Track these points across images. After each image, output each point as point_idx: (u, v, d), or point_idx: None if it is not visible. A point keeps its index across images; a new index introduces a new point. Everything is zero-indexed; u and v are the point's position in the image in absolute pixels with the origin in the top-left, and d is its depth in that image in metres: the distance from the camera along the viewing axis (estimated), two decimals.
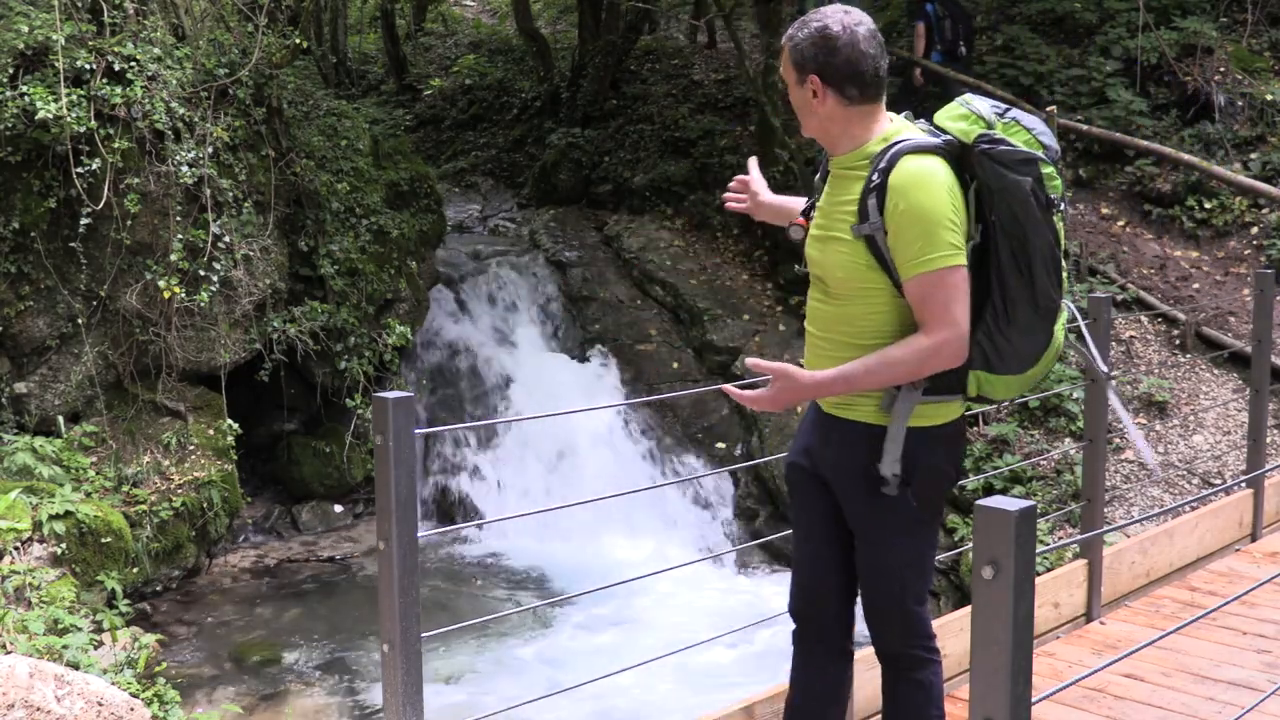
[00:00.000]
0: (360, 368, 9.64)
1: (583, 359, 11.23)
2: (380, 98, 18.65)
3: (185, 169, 8.21)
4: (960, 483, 3.25)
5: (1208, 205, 10.37)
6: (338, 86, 17.69)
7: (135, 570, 7.65)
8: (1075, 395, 8.32)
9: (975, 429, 8.67)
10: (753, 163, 3.49)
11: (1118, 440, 8.33)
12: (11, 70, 7.79)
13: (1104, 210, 10.82)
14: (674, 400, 10.46)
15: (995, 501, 1.94)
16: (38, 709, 3.41)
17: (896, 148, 2.77)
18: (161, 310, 8.38)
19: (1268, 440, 7.09)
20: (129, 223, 8.14)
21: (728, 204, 3.45)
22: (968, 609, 3.25)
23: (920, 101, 10.87)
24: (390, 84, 19.37)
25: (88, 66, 7.91)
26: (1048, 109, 9.08)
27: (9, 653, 5.38)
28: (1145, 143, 10.73)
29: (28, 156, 7.90)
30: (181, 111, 8.33)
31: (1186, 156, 10.49)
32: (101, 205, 7.87)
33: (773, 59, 10.63)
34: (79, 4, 8.20)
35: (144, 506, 7.92)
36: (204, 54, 9.01)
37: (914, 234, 2.71)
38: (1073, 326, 3.04)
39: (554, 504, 8.62)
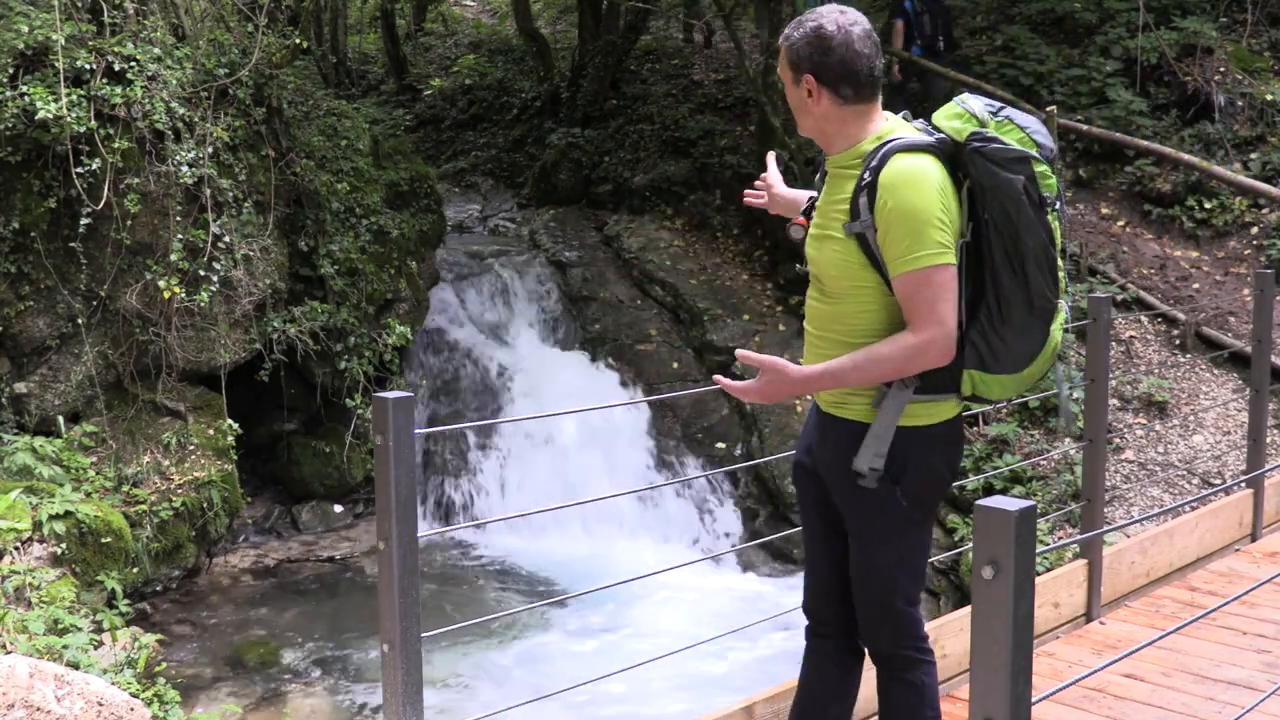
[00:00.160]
0: (360, 368, 9.64)
1: (582, 359, 11.23)
2: (380, 98, 18.65)
3: (185, 169, 8.21)
4: (960, 483, 3.25)
5: (1208, 205, 10.37)
6: (338, 86, 17.69)
7: (135, 570, 7.65)
8: (1075, 395, 8.32)
9: (975, 429, 8.67)
10: (770, 158, 3.50)
11: (1118, 440, 8.33)
12: (11, 70, 7.79)
13: (1104, 210, 10.82)
14: (674, 400, 10.45)
15: (995, 501, 1.95)
16: (38, 709, 3.41)
17: (888, 146, 2.78)
18: (161, 310, 8.38)
19: (1268, 440, 7.09)
20: (129, 223, 8.14)
21: (746, 199, 3.46)
22: (968, 609, 3.25)
23: (902, 97, 10.89)
24: (390, 84, 19.37)
25: (88, 66, 7.91)
26: (1048, 109, 9.08)
27: (9, 653, 5.38)
28: (1145, 143, 10.73)
29: (28, 156, 7.90)
30: (181, 111, 8.33)
31: (1186, 156, 10.49)
32: (101, 205, 7.87)
33: (772, 59, 10.63)
34: (79, 4, 8.20)
35: (144, 506, 7.92)
36: (204, 54, 9.01)
37: (902, 232, 2.72)
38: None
39: (554, 504, 8.61)
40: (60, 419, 8.19)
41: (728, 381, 2.90)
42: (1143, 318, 9.62)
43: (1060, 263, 2.84)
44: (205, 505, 8.28)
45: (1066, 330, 2.97)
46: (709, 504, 9.94)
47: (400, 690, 2.86)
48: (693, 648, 3.86)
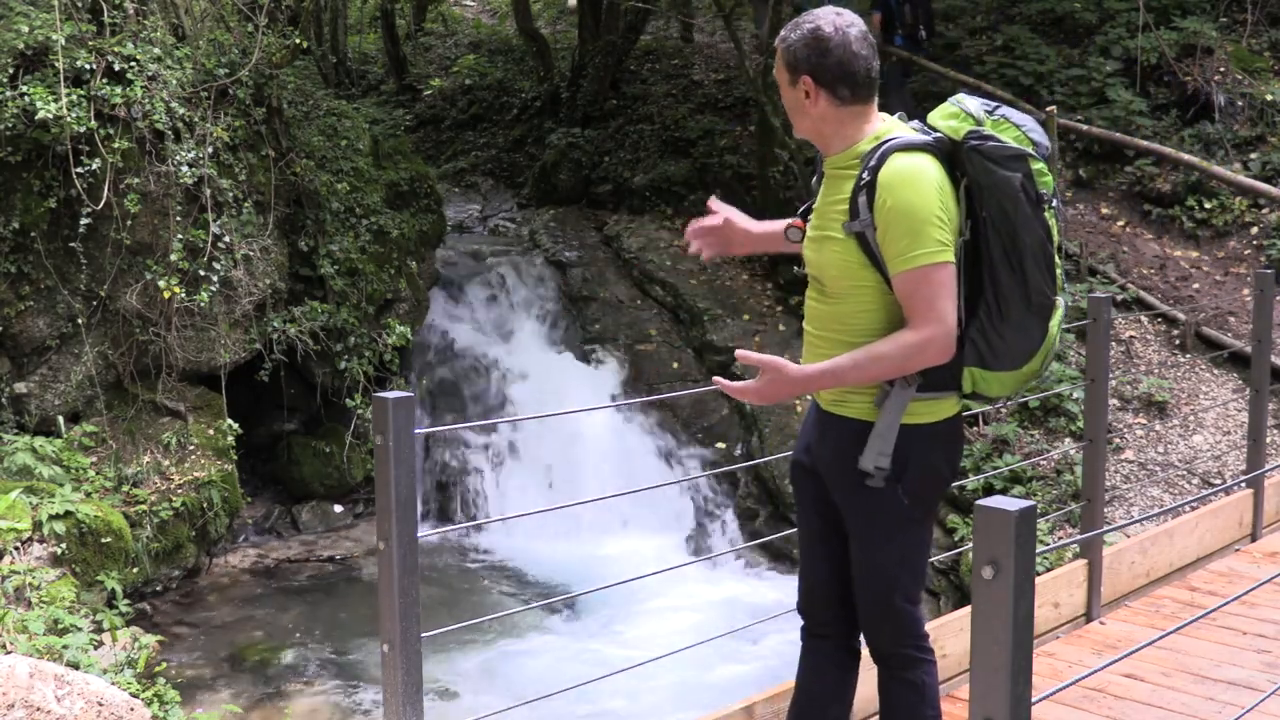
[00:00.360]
0: (360, 368, 9.64)
1: (583, 359, 11.23)
2: (380, 98, 18.65)
3: (185, 169, 8.21)
4: (960, 482, 3.25)
5: (1208, 205, 10.37)
6: (338, 86, 17.68)
7: (135, 570, 7.65)
8: (1075, 395, 8.32)
9: (975, 428, 8.67)
10: (713, 201, 3.34)
11: (1118, 440, 8.33)
12: (11, 70, 7.79)
13: (1104, 210, 10.83)
14: (674, 400, 10.46)
15: (995, 501, 1.95)
16: (38, 709, 3.41)
17: (886, 145, 2.80)
18: (161, 310, 8.38)
19: (1268, 440, 7.09)
20: (129, 223, 8.14)
21: (691, 249, 3.30)
22: (968, 609, 3.25)
23: (904, 93, 10.88)
24: (390, 84, 19.37)
25: (88, 66, 7.91)
26: (1048, 109, 9.08)
27: (9, 653, 5.38)
28: (1145, 143, 10.73)
29: (28, 156, 7.90)
30: (181, 111, 8.33)
31: (1186, 156, 10.49)
32: (101, 205, 7.87)
33: (771, 59, 10.62)
34: (79, 4, 8.20)
35: (144, 506, 7.92)
36: (204, 54, 9.01)
37: (901, 230, 2.73)
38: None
39: (554, 504, 8.61)
40: (60, 419, 8.20)
41: (727, 383, 2.89)
42: (1143, 318, 9.63)
43: (1058, 259, 2.85)
44: (205, 505, 8.28)
45: (1066, 330, 2.97)
46: (709, 504, 9.94)
47: (400, 690, 2.86)
48: (693, 648, 3.87)
